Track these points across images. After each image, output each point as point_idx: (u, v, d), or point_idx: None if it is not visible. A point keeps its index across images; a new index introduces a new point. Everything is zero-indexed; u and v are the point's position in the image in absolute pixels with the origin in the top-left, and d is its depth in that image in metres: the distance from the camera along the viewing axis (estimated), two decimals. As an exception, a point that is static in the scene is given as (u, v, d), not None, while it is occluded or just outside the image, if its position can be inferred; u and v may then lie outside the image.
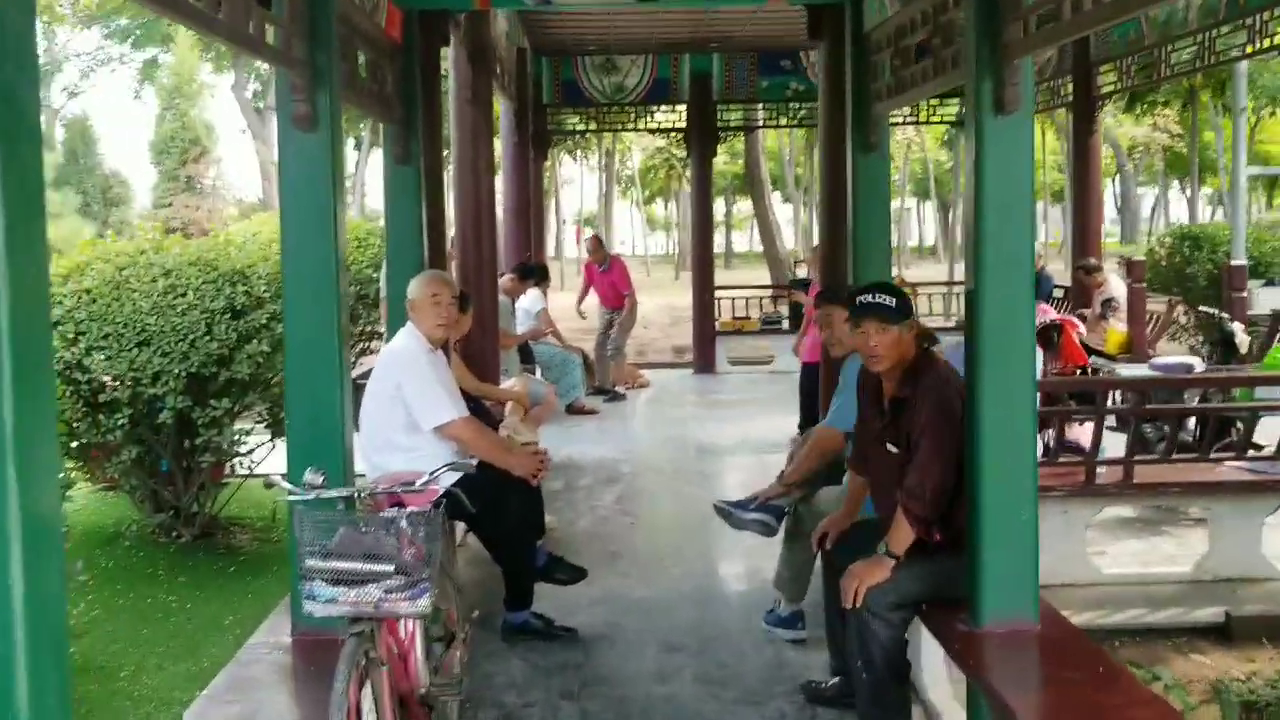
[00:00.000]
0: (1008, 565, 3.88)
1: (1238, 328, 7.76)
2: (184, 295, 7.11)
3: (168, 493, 7.60)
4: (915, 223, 54.75)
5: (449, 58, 8.07)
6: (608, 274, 13.91)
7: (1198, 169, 35.24)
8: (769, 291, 17.28)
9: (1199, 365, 8.18)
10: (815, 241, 10.38)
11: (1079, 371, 7.76)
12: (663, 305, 24.62)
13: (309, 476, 3.54)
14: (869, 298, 4.23)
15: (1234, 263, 10.60)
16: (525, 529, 5.51)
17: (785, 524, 5.37)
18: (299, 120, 3.98)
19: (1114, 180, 46.91)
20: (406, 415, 5.23)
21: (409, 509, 3.66)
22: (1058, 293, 15.46)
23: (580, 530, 7.53)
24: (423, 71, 6.07)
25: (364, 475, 5.01)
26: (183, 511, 7.58)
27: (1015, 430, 3.88)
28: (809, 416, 10.36)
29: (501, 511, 5.37)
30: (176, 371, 6.96)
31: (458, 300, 5.47)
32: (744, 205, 48.40)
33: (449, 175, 8.66)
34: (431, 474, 3.98)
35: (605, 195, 39.13)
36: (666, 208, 59.63)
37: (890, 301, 4.18)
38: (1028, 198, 3.89)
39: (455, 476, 5.27)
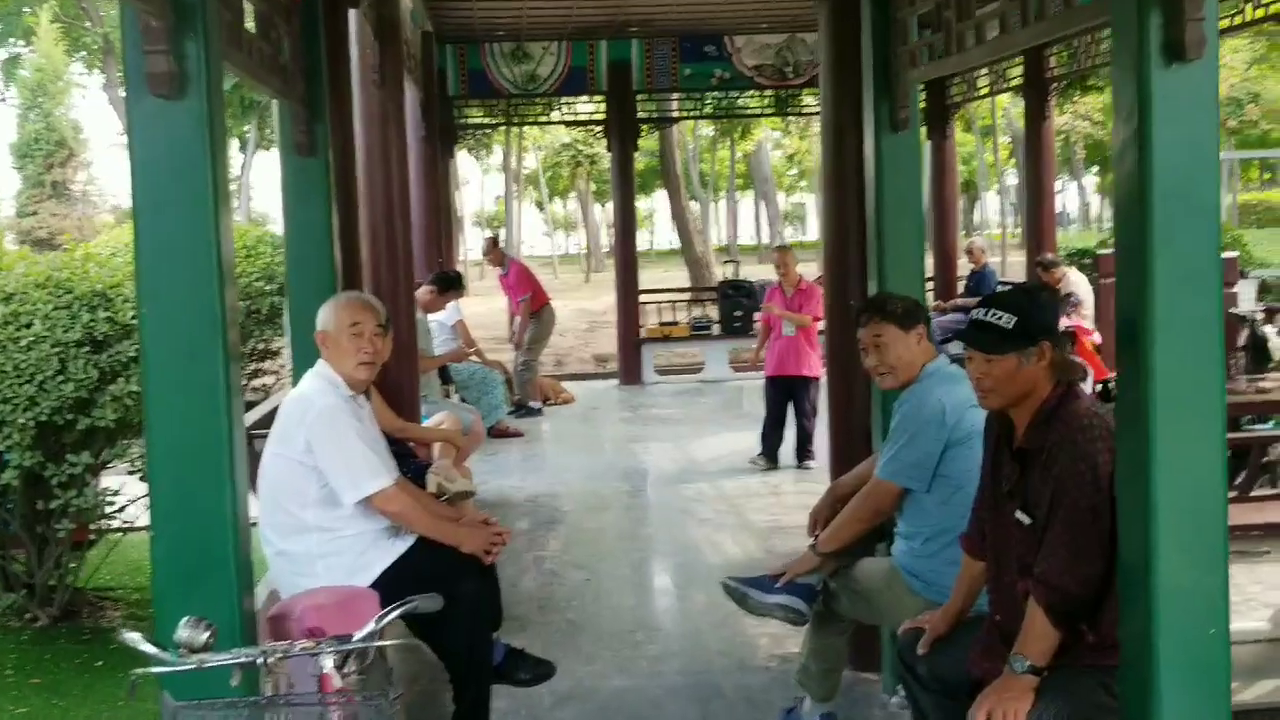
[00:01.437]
0: (1196, 694, 2.76)
1: (1271, 330, 6.82)
2: (29, 325, 5.70)
3: (18, 567, 6.18)
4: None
5: (352, 34, 6.77)
6: (506, 278, 12.66)
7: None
8: (708, 293, 16.06)
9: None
10: (770, 241, 9.29)
11: (1100, 387, 6.76)
12: (577, 310, 23.33)
13: (184, 632, 2.27)
14: (980, 314, 3.10)
15: (1224, 254, 9.74)
16: (480, 622, 4.26)
17: (814, 605, 4.20)
18: (158, 82, 2.70)
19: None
20: (320, 486, 3.96)
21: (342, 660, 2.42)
22: (1002, 289, 14.64)
23: (526, 592, 6.28)
24: (328, 39, 4.79)
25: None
26: (38, 589, 6.16)
27: (1200, 493, 2.76)
28: (774, 440, 9.29)
29: (451, 603, 4.13)
30: (22, 421, 5.56)
31: (385, 328, 4.21)
32: (642, 203, 47.42)
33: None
34: (381, 620, 2.71)
35: (507, 195, 37.70)
36: (566, 206, 58.29)
37: (1005, 320, 3.06)
38: (1212, 160, 2.78)
39: (388, 559, 4.05)
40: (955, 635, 3.44)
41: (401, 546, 4.10)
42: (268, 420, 5.51)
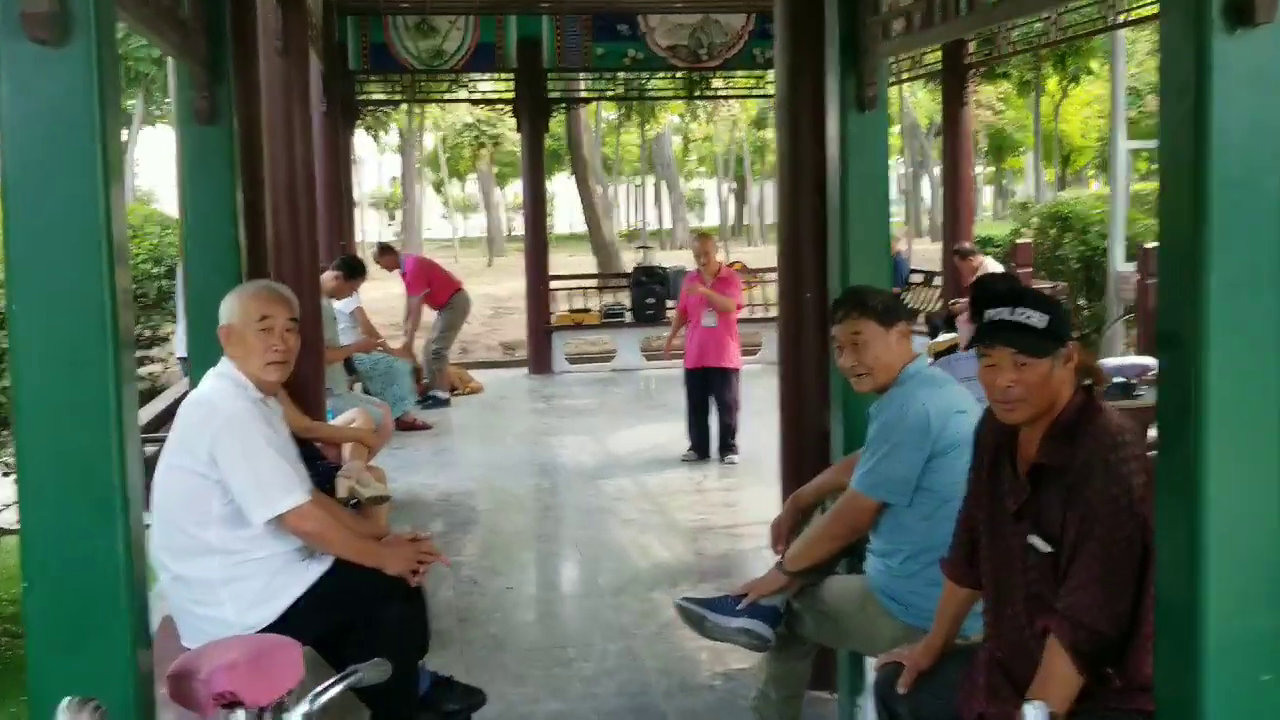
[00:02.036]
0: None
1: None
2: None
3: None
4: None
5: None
6: (405, 276, 12.04)
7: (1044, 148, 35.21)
8: (621, 280, 15.59)
9: (1153, 364, 7.03)
10: (701, 225, 8.89)
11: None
12: (481, 295, 22.59)
13: (69, 716, 1.79)
14: (1005, 313, 2.73)
15: (1150, 245, 9.63)
16: (406, 651, 3.80)
17: (778, 628, 3.83)
18: (36, 23, 2.18)
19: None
20: (225, 503, 3.48)
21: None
22: (916, 277, 14.48)
23: (444, 603, 5.81)
24: (232, -2, 4.26)
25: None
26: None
27: (1256, 523, 2.42)
28: (701, 432, 8.92)
29: (374, 629, 3.68)
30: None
31: (296, 322, 3.73)
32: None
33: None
34: (316, 698, 2.23)
35: (405, 175, 36.70)
36: (465, 189, 57.31)
37: (1038, 320, 2.70)
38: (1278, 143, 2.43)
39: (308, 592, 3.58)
40: (939, 670, 3.08)
41: (317, 570, 3.63)
42: (161, 421, 4.97)
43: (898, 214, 39.13)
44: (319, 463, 5.72)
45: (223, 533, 3.50)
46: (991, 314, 2.75)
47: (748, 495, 7.95)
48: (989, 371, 2.75)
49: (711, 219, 68.62)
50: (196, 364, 4.13)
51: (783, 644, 3.83)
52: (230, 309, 3.65)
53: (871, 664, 3.93)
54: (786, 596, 3.77)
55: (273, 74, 6.33)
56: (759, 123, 42.32)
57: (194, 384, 3.93)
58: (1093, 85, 29.16)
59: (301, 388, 6.13)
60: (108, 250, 2.34)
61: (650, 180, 53.66)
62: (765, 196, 58.88)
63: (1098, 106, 33.76)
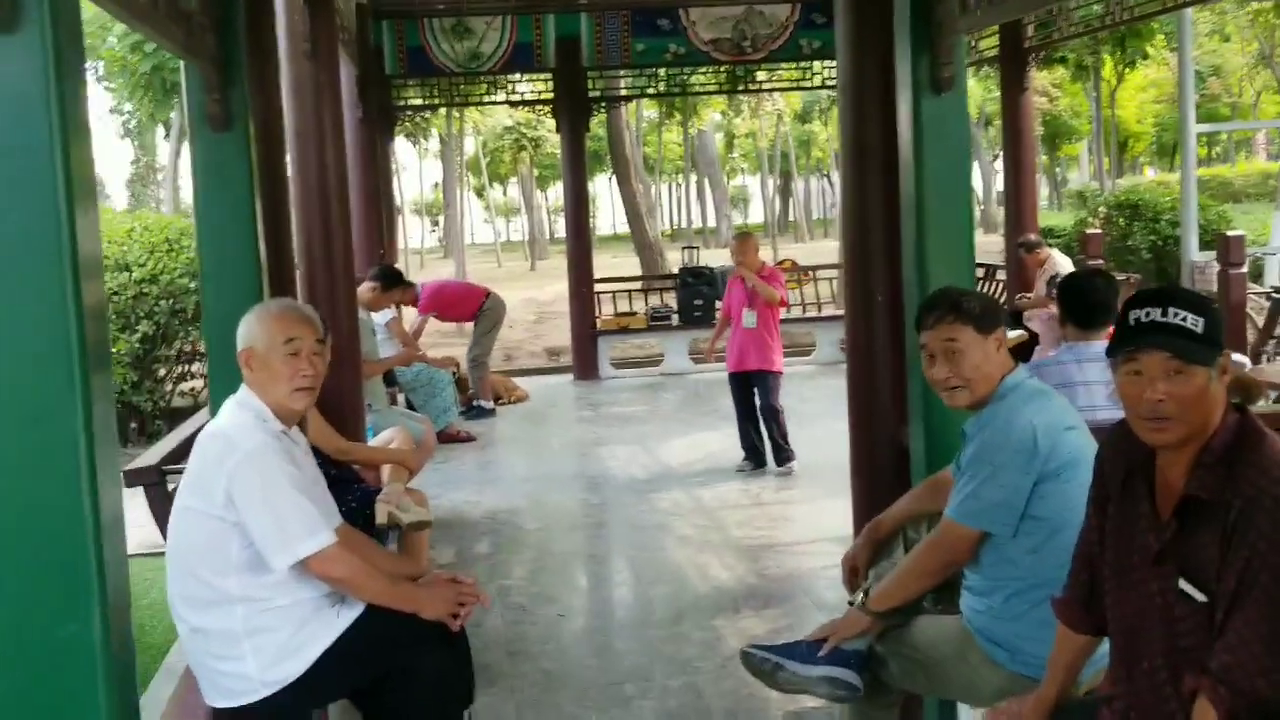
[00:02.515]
0: None
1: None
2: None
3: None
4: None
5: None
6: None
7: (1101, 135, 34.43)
8: (666, 281, 15.20)
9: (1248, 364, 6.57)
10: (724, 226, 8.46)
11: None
12: (524, 300, 22.38)
13: None
14: (1157, 313, 2.32)
15: (1231, 233, 9.14)
16: (447, 702, 3.45)
17: (865, 675, 3.43)
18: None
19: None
20: (244, 547, 3.14)
21: None
22: (977, 271, 13.98)
23: (492, 634, 5.45)
24: (246, -10, 3.92)
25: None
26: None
27: None
28: (753, 439, 8.53)
29: (411, 681, 3.32)
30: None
31: (325, 344, 3.39)
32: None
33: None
34: None
35: (446, 181, 36.42)
36: (506, 193, 57.10)
37: (1194, 322, 2.29)
38: None
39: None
40: (1062, 722, 2.69)
41: (349, 616, 3.28)
42: (185, 450, 4.65)
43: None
44: (356, 486, 5.41)
45: (244, 580, 3.16)
46: (1138, 314, 2.33)
47: (809, 509, 7.54)
48: (1132, 382, 2.33)
49: (756, 216, 68.18)
50: (216, 391, 3.80)
51: (865, 692, 3.44)
52: (251, 331, 3.31)
53: (969, 714, 3.53)
54: (870, 640, 3.38)
55: (301, 78, 6.03)
56: (803, 116, 41.77)
57: (213, 412, 3.60)
58: (1149, 69, 28.44)
59: (338, 405, 5.81)
60: (71, 268, 1.98)
61: (692, 179, 53.25)
62: (811, 191, 58.38)
63: (1154, 91, 32.99)
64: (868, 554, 3.57)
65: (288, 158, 4.61)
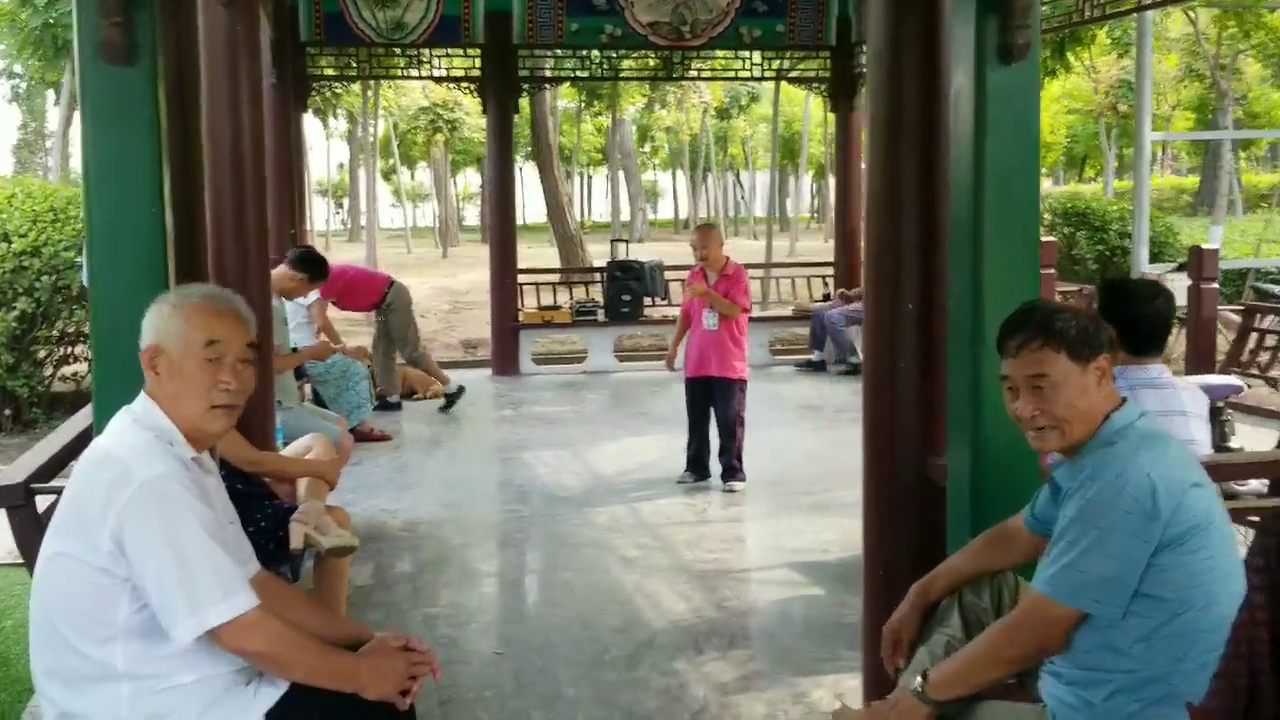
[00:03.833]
0: None
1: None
2: None
3: None
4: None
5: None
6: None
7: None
8: (593, 274, 14.48)
9: (1245, 388, 6.10)
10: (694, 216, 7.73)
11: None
12: (437, 289, 21.41)
13: None
14: None
15: (1207, 245, 8.73)
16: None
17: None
18: None
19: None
20: (135, 610, 2.40)
21: None
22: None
23: (422, 674, 4.70)
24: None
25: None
26: None
27: None
28: (699, 450, 7.88)
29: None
30: None
31: (255, 349, 2.65)
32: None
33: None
34: None
35: (352, 161, 35.14)
36: (414, 177, 55.72)
37: None
38: None
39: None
40: None
41: (269, 696, 2.56)
42: (60, 463, 3.82)
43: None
44: (267, 503, 4.64)
45: (133, 651, 2.42)
46: None
47: (762, 528, 6.93)
48: None
49: (665, 211, 67.75)
50: (102, 396, 3.01)
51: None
52: (162, 324, 2.56)
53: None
54: (924, 728, 2.73)
55: (214, 22, 5.21)
56: (723, 112, 41.26)
57: (99, 426, 2.82)
58: (1064, 80, 28.41)
59: (247, 407, 5.01)
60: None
61: (604, 171, 52.45)
62: (727, 188, 58.05)
63: (1067, 102, 33.12)
64: (915, 624, 2.93)
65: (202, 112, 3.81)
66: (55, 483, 3.53)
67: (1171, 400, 3.62)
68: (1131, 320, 3.70)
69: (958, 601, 2.91)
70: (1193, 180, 41.82)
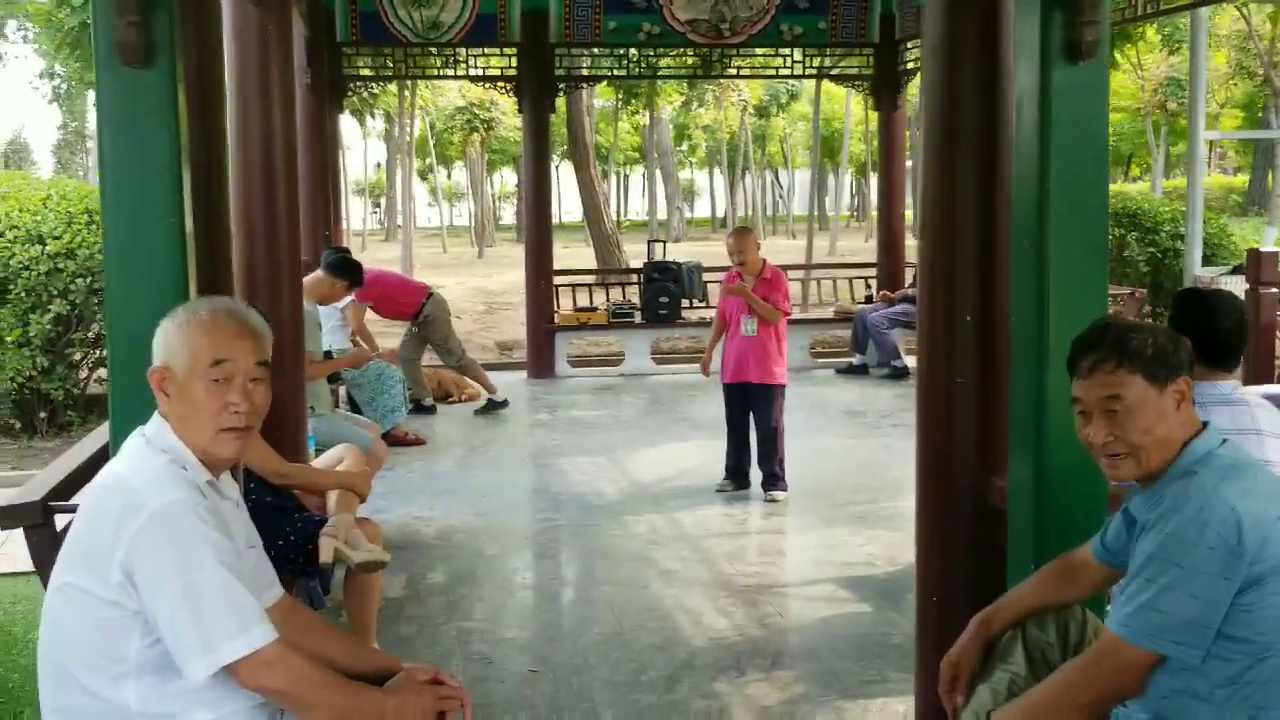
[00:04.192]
0: None
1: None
2: None
3: None
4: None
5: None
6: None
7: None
8: (630, 276, 14.30)
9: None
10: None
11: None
12: (472, 289, 21.30)
13: None
14: None
15: (1265, 248, 8.45)
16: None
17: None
18: None
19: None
20: (148, 645, 2.26)
21: None
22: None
23: (454, 693, 4.55)
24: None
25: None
26: None
27: None
28: (738, 458, 7.68)
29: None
30: None
31: (268, 365, 2.50)
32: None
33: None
34: None
35: (389, 161, 35.16)
36: (450, 176, 55.72)
37: None
38: None
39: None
40: None
41: (291, 737, 2.39)
42: (82, 479, 3.70)
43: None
44: (298, 516, 4.52)
45: (145, 689, 2.28)
46: None
47: (805, 540, 6.75)
48: None
49: (702, 211, 67.47)
50: (119, 417, 2.86)
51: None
52: (168, 343, 2.42)
53: None
54: (988, 773, 2.55)
55: (245, 22, 5.10)
56: (762, 110, 40.97)
57: (114, 449, 2.68)
58: (1110, 78, 27.94)
59: (278, 415, 4.84)
60: None
61: (640, 170, 52.18)
62: (765, 188, 57.69)
63: (1111, 100, 32.62)
64: (977, 657, 2.74)
65: (227, 113, 3.67)
66: (74, 500, 3.40)
67: (1244, 418, 3.41)
68: (1210, 332, 3.49)
69: (1021, 636, 2.73)
70: (1241, 180, 41.17)
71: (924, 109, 3.47)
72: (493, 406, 10.51)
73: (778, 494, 7.45)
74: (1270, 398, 3.99)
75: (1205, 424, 2.46)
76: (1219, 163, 45.96)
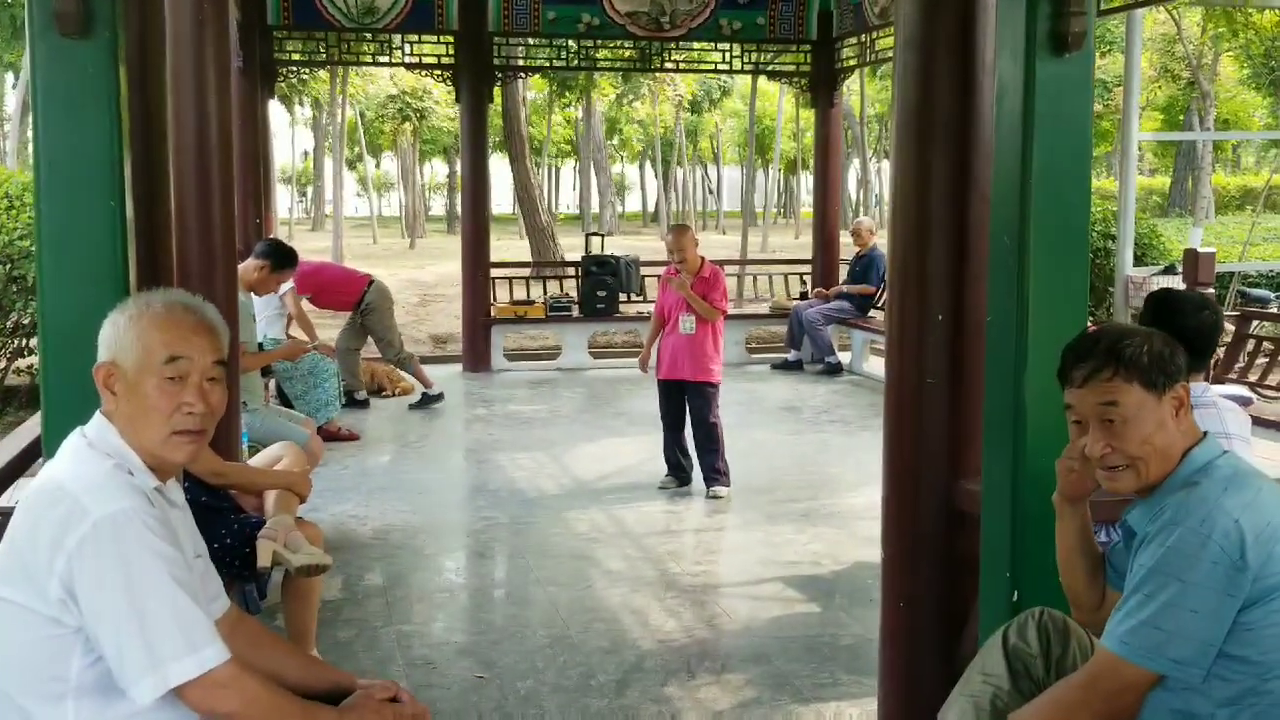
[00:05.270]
0: None
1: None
2: None
3: None
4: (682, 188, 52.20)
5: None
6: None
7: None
8: (567, 269, 14.15)
9: (1255, 400, 5.88)
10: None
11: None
12: (406, 281, 20.92)
13: None
14: None
15: (1201, 248, 8.52)
16: None
17: None
18: None
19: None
20: (89, 664, 2.10)
21: None
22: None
23: (398, 699, 4.39)
24: None
25: None
26: None
27: None
28: (676, 455, 7.57)
29: None
30: None
31: (224, 366, 2.33)
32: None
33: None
34: None
35: (317, 150, 34.58)
36: (379, 166, 55.03)
37: None
38: None
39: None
40: None
41: None
42: (3, 481, 3.48)
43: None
44: (234, 517, 4.33)
45: (86, 710, 2.12)
46: None
47: (749, 538, 6.66)
48: None
49: (633, 205, 67.40)
50: (52, 416, 2.67)
51: None
52: (118, 337, 2.24)
53: None
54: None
55: (180, 2, 4.86)
56: (695, 105, 40.98)
57: (49, 451, 2.49)
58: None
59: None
60: None
61: (571, 163, 51.84)
62: (696, 182, 57.71)
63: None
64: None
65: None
66: (3, 501, 3.20)
67: (1213, 421, 3.36)
68: (1179, 333, 3.43)
69: (1002, 645, 2.64)
70: (1160, 181, 41.91)
71: (896, 103, 3.38)
72: (428, 401, 10.32)
73: (720, 490, 7.36)
74: (1231, 398, 3.96)
75: (1206, 433, 2.39)
76: (1138, 164, 46.73)
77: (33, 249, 8.90)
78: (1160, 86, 30.86)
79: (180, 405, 2.22)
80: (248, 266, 7.07)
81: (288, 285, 8.34)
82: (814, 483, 7.80)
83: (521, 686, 4.59)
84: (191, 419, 2.23)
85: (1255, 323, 8.74)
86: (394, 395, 10.90)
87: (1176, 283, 9.41)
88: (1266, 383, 7.88)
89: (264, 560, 4.12)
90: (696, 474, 7.56)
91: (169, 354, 2.21)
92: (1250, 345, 8.26)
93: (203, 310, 2.33)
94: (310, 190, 53.74)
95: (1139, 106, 10.69)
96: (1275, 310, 11.39)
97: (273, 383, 8.93)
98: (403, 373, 10.79)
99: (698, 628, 5.26)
